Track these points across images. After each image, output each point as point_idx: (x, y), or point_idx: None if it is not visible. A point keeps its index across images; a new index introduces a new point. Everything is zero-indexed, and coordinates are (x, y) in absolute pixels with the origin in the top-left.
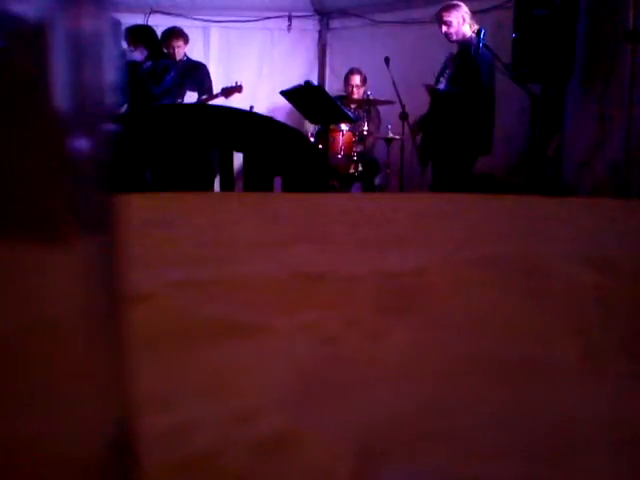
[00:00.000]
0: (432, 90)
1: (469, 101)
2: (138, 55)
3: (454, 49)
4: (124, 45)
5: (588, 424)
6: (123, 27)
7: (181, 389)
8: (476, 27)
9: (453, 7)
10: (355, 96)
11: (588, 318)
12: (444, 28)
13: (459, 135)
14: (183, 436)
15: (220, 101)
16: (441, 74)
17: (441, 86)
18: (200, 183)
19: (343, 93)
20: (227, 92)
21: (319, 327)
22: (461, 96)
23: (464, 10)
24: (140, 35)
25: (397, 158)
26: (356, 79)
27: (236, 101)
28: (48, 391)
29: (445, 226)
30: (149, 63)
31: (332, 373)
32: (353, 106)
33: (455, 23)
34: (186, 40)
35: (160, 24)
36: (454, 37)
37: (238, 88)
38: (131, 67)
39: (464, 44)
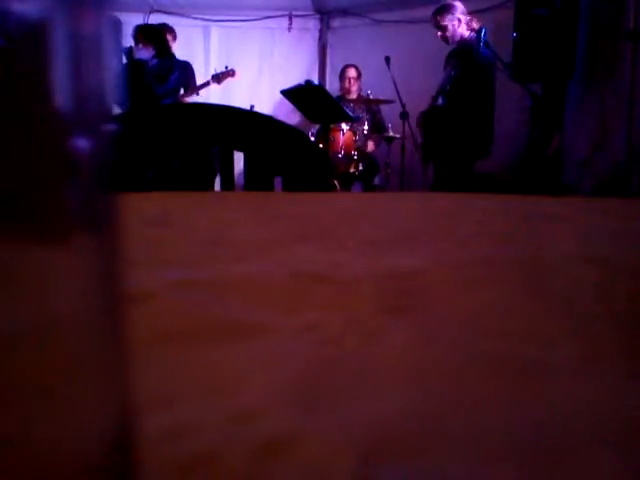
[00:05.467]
0: (432, 109)
1: (467, 108)
2: (146, 54)
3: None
4: (132, 43)
5: (588, 424)
6: (127, 26)
7: (181, 389)
8: (476, 26)
9: (446, 10)
10: (350, 89)
11: (588, 318)
12: (439, 33)
13: (458, 138)
14: (183, 436)
15: (216, 96)
16: (442, 90)
17: (439, 101)
18: (200, 183)
19: (341, 92)
20: (218, 78)
21: (319, 327)
22: (458, 108)
23: (459, 11)
24: (151, 34)
25: (397, 158)
26: (351, 72)
27: (237, 101)
28: (48, 390)
29: (446, 226)
30: (155, 61)
31: (332, 373)
32: (352, 105)
33: (450, 27)
34: (174, 37)
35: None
36: (451, 41)
37: (231, 72)
38: (137, 65)
39: (463, 45)
